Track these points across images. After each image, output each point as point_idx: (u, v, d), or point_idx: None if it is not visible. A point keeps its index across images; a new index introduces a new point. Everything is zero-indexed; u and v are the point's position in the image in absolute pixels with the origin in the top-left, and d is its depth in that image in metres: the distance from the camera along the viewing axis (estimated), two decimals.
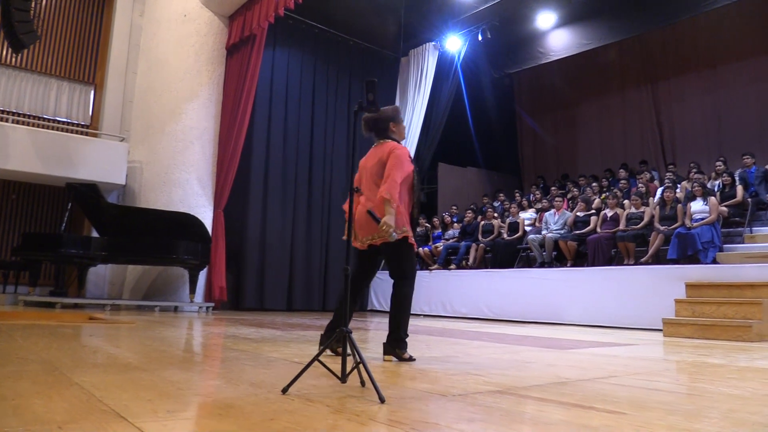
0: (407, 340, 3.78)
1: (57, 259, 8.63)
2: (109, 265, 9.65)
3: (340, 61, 11.97)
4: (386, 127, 3.81)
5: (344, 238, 3.57)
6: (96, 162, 9.49)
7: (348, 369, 2.59)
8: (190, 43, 9.88)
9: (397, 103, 12.44)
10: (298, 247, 10.93)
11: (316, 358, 2.53)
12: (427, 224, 11.73)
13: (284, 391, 2.36)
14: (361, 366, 2.51)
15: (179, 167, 9.64)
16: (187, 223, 9.03)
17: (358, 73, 12.03)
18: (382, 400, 2.23)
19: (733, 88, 11.57)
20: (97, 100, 10.73)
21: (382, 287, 11.41)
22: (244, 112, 9.79)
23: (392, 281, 3.80)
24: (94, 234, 9.28)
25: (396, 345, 3.71)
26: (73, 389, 2.34)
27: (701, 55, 11.96)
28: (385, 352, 3.75)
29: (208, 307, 9.37)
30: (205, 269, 9.52)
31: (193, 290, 9.13)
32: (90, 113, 10.73)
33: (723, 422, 2.19)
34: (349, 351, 2.60)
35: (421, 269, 10.95)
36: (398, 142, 3.83)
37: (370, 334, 6.48)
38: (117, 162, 9.70)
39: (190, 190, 9.69)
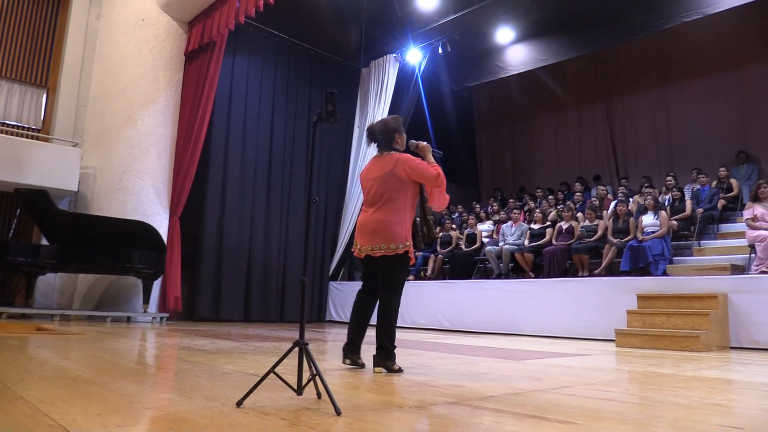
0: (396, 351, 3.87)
1: (3, 268, 8.35)
2: (58, 274, 9.37)
3: (301, 71, 11.94)
4: (393, 138, 3.89)
5: (353, 250, 3.92)
6: (47, 167, 9.23)
7: (304, 381, 2.57)
8: (147, 48, 9.72)
9: (357, 113, 12.47)
10: (255, 257, 10.82)
11: (271, 370, 2.51)
12: None
13: (239, 403, 2.33)
14: (317, 378, 2.49)
15: (134, 174, 9.45)
16: (142, 231, 8.85)
17: (319, 82, 12.03)
18: (338, 413, 2.22)
19: (683, 106, 11.95)
20: (50, 103, 10.45)
21: (339, 297, 11.39)
22: (202, 120, 9.67)
23: (380, 292, 3.86)
24: (44, 242, 9.01)
25: (386, 357, 3.77)
26: (17, 403, 2.26)
27: (653, 73, 12.34)
28: (375, 364, 3.80)
29: (162, 318, 9.18)
30: (160, 279, 9.33)
31: (146, 300, 8.94)
32: (42, 117, 10.43)
33: (670, 431, 2.25)
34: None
35: None
36: (400, 152, 3.88)
37: (329, 345, 6.44)
38: (69, 168, 9.45)
39: (145, 198, 9.50)
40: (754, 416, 2.66)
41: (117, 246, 8.55)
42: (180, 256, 9.62)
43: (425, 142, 3.98)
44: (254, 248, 10.82)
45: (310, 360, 2.51)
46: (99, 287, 9.32)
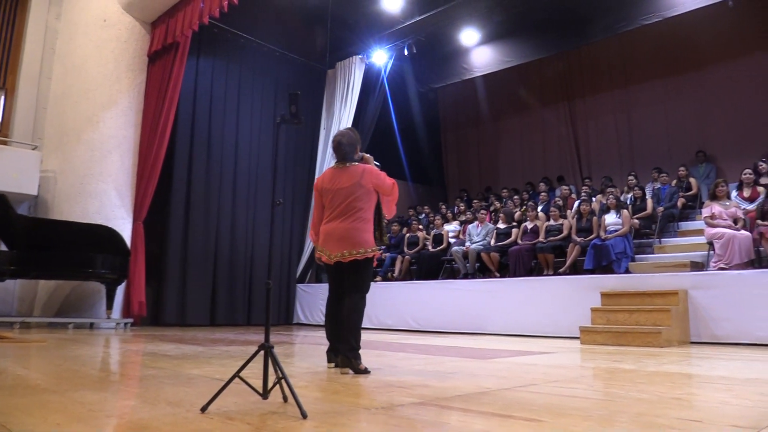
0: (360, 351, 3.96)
1: None
2: (18, 280, 9.13)
3: (266, 72, 11.84)
4: (355, 150, 4.10)
5: (317, 254, 4.09)
6: (5, 171, 8.98)
7: (270, 385, 2.55)
8: (109, 48, 9.54)
9: (324, 115, 12.43)
10: (221, 260, 10.69)
11: (236, 375, 2.49)
12: None
13: (203, 409, 2.30)
14: (283, 381, 2.48)
15: (96, 177, 9.26)
16: (104, 235, 8.68)
17: (284, 84, 11.94)
18: (304, 416, 2.21)
19: (644, 107, 12.20)
20: (8, 105, 10.17)
21: (307, 300, 11.34)
22: (165, 122, 9.52)
23: (347, 294, 4.01)
24: (3, 247, 8.77)
25: (352, 356, 3.87)
26: None
27: (614, 75, 12.57)
28: (342, 365, 3.91)
29: (126, 324, 9.02)
30: (124, 284, 9.16)
31: (110, 306, 8.77)
32: None
33: (632, 425, 2.29)
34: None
35: None
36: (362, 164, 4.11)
37: (296, 348, 6.41)
38: (28, 171, 9.21)
39: (108, 202, 9.32)
40: (712, 409, 2.73)
41: (79, 251, 8.37)
42: (144, 260, 9.46)
43: (369, 154, 4.22)
44: (220, 251, 10.70)
45: (276, 363, 2.49)
46: (60, 293, 9.11)
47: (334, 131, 11.98)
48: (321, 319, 10.76)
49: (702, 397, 3.12)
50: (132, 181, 9.64)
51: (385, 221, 4.28)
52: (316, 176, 12.03)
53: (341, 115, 11.95)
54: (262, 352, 2.57)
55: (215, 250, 10.63)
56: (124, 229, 9.31)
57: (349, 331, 3.89)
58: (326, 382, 3.40)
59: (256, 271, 11.08)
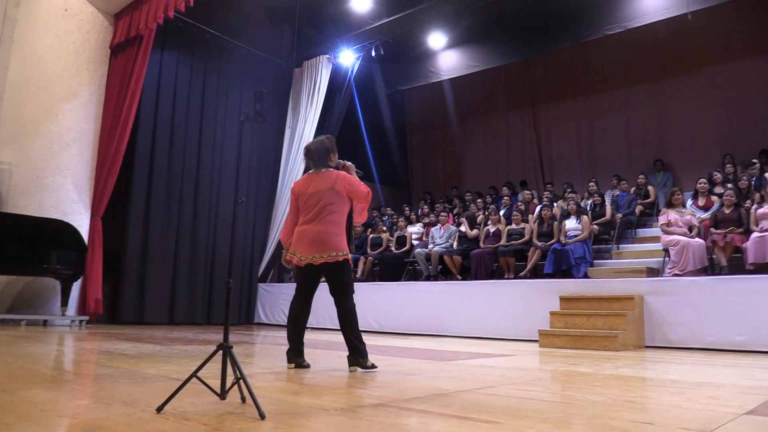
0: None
1: None
2: None
3: (232, 69, 11.70)
4: (328, 156, 4.21)
5: (287, 256, 4.18)
6: None
7: (228, 385, 2.53)
8: (70, 39, 9.31)
9: (289, 114, 12.34)
10: (182, 257, 10.51)
11: (194, 374, 2.46)
12: None
13: (159, 409, 2.27)
14: (241, 381, 2.46)
15: (53, 171, 9.03)
16: (60, 230, 8.47)
17: (250, 81, 11.81)
18: (262, 417, 2.20)
19: (605, 115, 12.45)
20: None
21: (269, 299, 11.25)
22: (127, 116, 9.33)
23: (334, 299, 4.13)
24: None
25: (359, 355, 4.02)
26: None
27: (577, 83, 12.78)
28: (351, 364, 4.04)
29: (81, 321, 8.81)
30: (80, 280, 8.95)
31: (65, 303, 8.57)
32: None
33: (587, 428, 2.34)
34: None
35: None
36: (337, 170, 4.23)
37: (257, 348, 6.35)
38: None
39: (65, 196, 9.10)
40: (663, 412, 2.80)
41: (33, 246, 8.16)
42: (102, 256, 9.25)
43: (350, 162, 4.35)
44: (181, 249, 10.52)
45: (234, 363, 2.47)
46: (13, 289, 8.85)
47: (299, 130, 11.93)
48: (282, 319, 10.69)
49: (655, 400, 3.20)
50: (91, 176, 9.43)
51: (356, 229, 4.41)
52: (281, 175, 11.97)
53: (307, 114, 11.90)
54: (220, 352, 2.54)
55: (176, 248, 10.46)
56: (82, 224, 9.11)
57: (349, 333, 4.03)
58: (286, 383, 3.38)
59: (217, 270, 10.93)
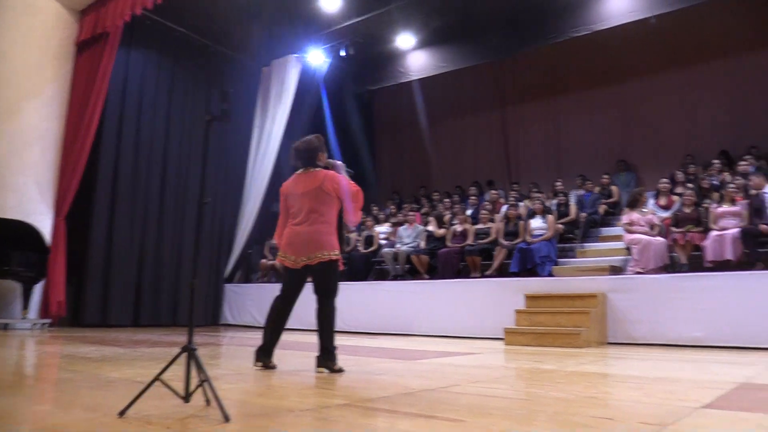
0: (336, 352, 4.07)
1: None
2: None
3: (200, 67, 11.57)
4: (316, 156, 4.17)
5: (276, 262, 4.29)
6: None
7: (192, 387, 2.51)
8: (34, 35, 9.09)
9: (258, 113, 12.25)
10: (147, 258, 10.35)
11: (157, 377, 2.44)
12: None
13: (121, 413, 2.24)
14: (206, 384, 2.44)
15: (15, 170, 8.81)
16: (21, 231, 8.29)
17: (218, 80, 11.69)
18: (226, 419, 2.19)
19: (571, 116, 12.62)
20: None
21: (235, 300, 11.16)
22: (92, 114, 9.15)
23: (317, 298, 4.11)
24: None
25: (328, 358, 3.99)
26: None
27: (545, 84, 12.93)
28: (318, 365, 4.00)
29: (43, 324, 8.62)
30: (42, 282, 8.75)
31: (26, 305, 8.38)
32: None
33: (549, 424, 2.39)
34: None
35: (277, 281, 10.83)
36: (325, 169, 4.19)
37: (223, 350, 6.31)
38: None
39: (27, 196, 8.89)
40: (624, 407, 2.87)
41: None
42: (65, 257, 9.06)
43: (340, 161, 4.32)
44: (146, 249, 10.36)
45: (199, 365, 2.45)
46: None
47: (267, 130, 11.85)
48: (249, 319, 10.63)
49: (615, 396, 3.28)
50: (54, 176, 9.23)
51: (348, 229, 4.40)
52: (248, 175, 11.88)
53: (275, 113, 11.83)
54: (184, 354, 2.52)
55: (140, 248, 10.30)
56: (45, 225, 8.91)
57: (325, 335, 4.03)
58: (251, 384, 3.37)
59: (183, 270, 10.80)
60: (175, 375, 2.63)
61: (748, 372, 4.20)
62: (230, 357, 5.41)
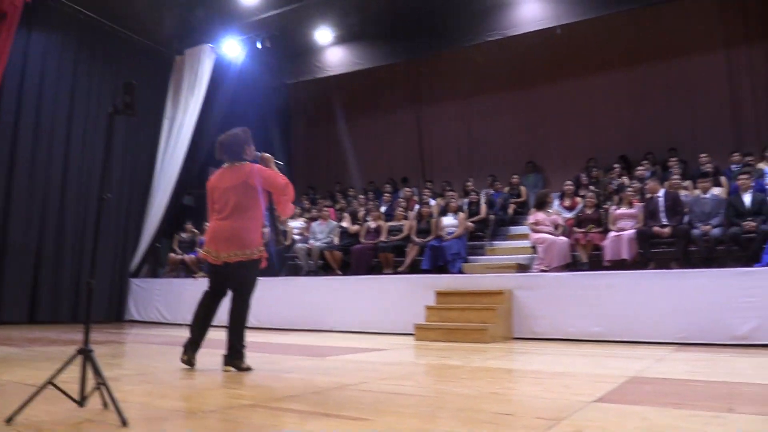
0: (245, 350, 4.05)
1: None
2: None
3: (107, 53, 10.98)
4: (242, 149, 4.10)
5: (201, 254, 4.18)
6: None
7: (87, 391, 2.41)
8: None
9: (169, 103, 11.83)
10: (46, 252, 9.74)
11: (49, 381, 2.32)
12: (194, 230, 11.33)
13: (9, 420, 2.12)
14: (103, 387, 2.35)
15: None
16: None
17: (127, 67, 11.15)
18: (124, 423, 2.12)
19: (483, 117, 12.97)
20: None
21: (141, 296, 10.75)
22: None
23: (232, 295, 4.09)
24: None
25: (235, 356, 3.96)
26: None
27: (459, 85, 13.21)
28: (225, 363, 3.95)
29: None
30: None
31: None
32: None
33: (452, 421, 2.46)
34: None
35: (186, 277, 10.54)
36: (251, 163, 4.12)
37: (127, 348, 6.07)
38: None
39: None
40: (523, 402, 3.00)
41: None
42: None
43: (268, 154, 4.26)
44: (45, 242, 9.76)
45: (95, 368, 2.36)
46: None
47: (179, 120, 11.48)
48: (155, 315, 10.29)
49: (517, 391, 3.41)
50: None
51: (281, 222, 4.34)
52: (157, 167, 11.47)
53: (188, 104, 11.46)
54: (80, 356, 2.41)
55: (38, 241, 9.71)
56: None
57: (234, 332, 3.98)
58: (154, 385, 3.26)
59: (85, 265, 10.27)
60: (72, 377, 2.52)
61: (638, 366, 4.46)
62: (133, 356, 5.22)
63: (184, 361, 3.96)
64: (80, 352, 2.40)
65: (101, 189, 2.56)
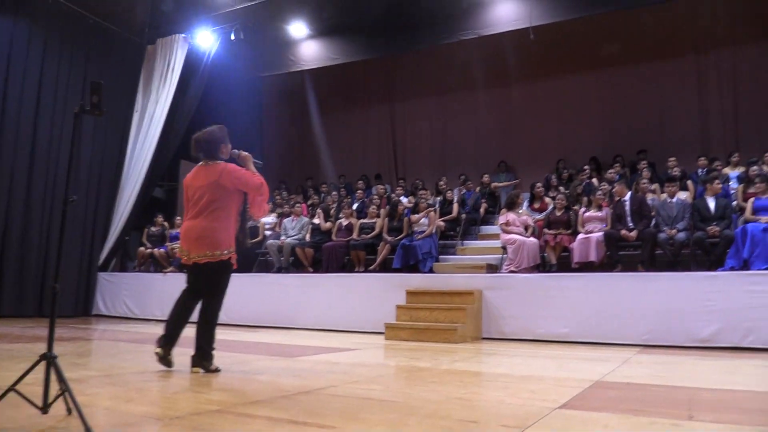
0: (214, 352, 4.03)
1: None
2: None
3: (77, 41, 10.72)
4: (218, 148, 4.06)
5: (177, 252, 4.15)
6: None
7: (51, 397, 2.37)
8: None
9: (140, 93, 11.64)
10: (11, 247, 9.49)
11: (11, 388, 2.28)
12: (164, 223, 11.19)
13: None
14: (67, 393, 2.32)
15: None
16: None
17: (97, 56, 10.93)
18: (88, 431, 2.09)
19: (456, 116, 13.04)
20: None
21: (110, 290, 10.60)
22: None
23: (203, 295, 4.05)
24: None
25: (204, 358, 3.94)
26: None
27: (433, 84, 13.26)
28: (193, 365, 3.93)
29: None
30: None
31: None
32: None
33: (419, 428, 2.48)
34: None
35: (156, 271, 10.42)
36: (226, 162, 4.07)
37: (93, 345, 5.99)
38: None
39: None
40: (488, 408, 3.03)
41: None
42: None
43: (246, 152, 4.19)
44: (10, 237, 9.49)
45: (59, 375, 2.32)
46: None
47: (150, 111, 11.32)
48: (123, 310, 10.17)
49: (483, 396, 3.44)
50: None
51: (252, 222, 4.29)
52: (127, 159, 11.29)
53: (159, 95, 11.31)
54: (43, 362, 2.38)
55: (3, 233, 9.48)
56: None
57: (203, 334, 3.96)
58: (120, 389, 3.23)
59: (51, 259, 10.05)
60: (37, 378, 2.48)
61: (603, 369, 4.54)
62: (100, 354, 5.15)
63: (157, 355, 3.91)
64: (43, 357, 2.36)
65: (67, 191, 2.51)
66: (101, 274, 10.80)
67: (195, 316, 4.08)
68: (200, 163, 4.10)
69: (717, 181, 7.63)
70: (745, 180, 8.18)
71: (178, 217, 11.19)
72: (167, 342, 3.97)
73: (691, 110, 10.88)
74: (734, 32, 10.51)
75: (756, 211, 7.11)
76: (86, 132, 10.60)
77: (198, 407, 2.74)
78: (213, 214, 3.93)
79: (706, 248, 7.08)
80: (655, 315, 6.54)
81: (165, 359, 3.94)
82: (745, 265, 6.65)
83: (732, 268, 6.67)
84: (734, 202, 7.78)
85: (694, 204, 7.57)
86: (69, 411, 2.38)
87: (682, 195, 8.09)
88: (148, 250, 10.76)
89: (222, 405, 2.80)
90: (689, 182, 8.85)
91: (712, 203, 7.35)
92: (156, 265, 10.68)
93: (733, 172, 8.92)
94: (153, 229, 11.08)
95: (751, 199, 7.28)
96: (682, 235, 7.23)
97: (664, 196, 7.94)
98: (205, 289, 4.03)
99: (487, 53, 11.79)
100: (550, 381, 3.92)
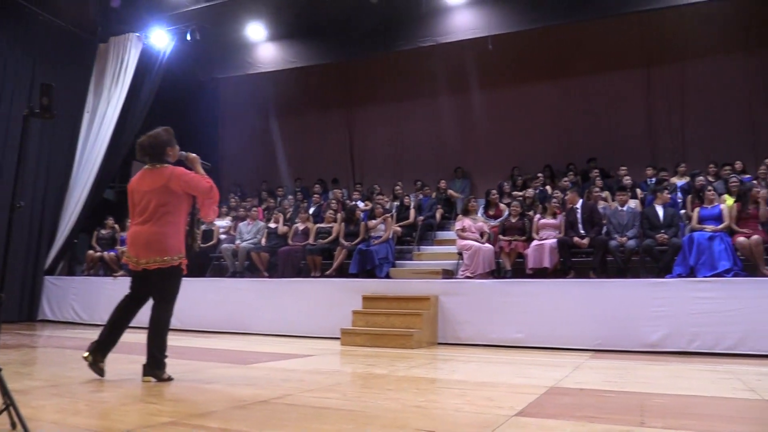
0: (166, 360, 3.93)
1: None
2: None
3: (25, 37, 10.35)
4: (164, 151, 3.96)
5: (124, 258, 4.06)
6: None
7: None
8: None
9: (91, 92, 11.31)
10: None
11: None
12: (115, 225, 10.91)
13: None
14: (11, 407, 2.23)
15: None
16: None
17: (47, 54, 10.56)
18: None
19: (414, 122, 13.08)
20: None
21: (56, 294, 10.26)
22: None
23: (153, 302, 3.96)
24: None
25: (156, 366, 3.84)
26: None
27: (391, 89, 13.26)
28: (145, 374, 3.83)
29: None
30: None
31: None
32: None
33: None
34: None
35: (105, 275, 10.15)
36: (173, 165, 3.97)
37: (38, 353, 5.78)
38: None
39: None
40: (446, 416, 3.04)
41: None
42: None
43: (194, 154, 4.12)
44: None
45: (3, 389, 2.23)
46: None
47: (101, 111, 11.02)
48: (71, 315, 9.87)
49: (440, 404, 3.45)
50: None
51: (203, 226, 4.21)
52: (76, 160, 10.96)
53: (111, 95, 11.02)
54: None
55: None
56: None
57: (154, 341, 3.86)
58: (68, 400, 3.12)
59: None
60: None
61: (557, 374, 4.62)
62: (46, 363, 4.98)
63: (86, 360, 3.79)
64: None
65: (14, 197, 2.42)
66: (48, 278, 10.45)
67: (138, 321, 3.97)
68: (146, 167, 4.00)
69: (666, 191, 7.86)
70: (691, 190, 8.44)
71: (129, 220, 10.90)
72: (99, 348, 3.86)
73: (641, 121, 11.19)
74: (683, 48, 10.86)
75: (702, 220, 7.35)
76: (34, 132, 10.24)
77: (149, 419, 2.67)
78: (162, 219, 3.85)
79: (655, 256, 7.28)
80: (605, 320, 6.69)
81: (95, 366, 3.82)
82: (691, 273, 6.87)
83: (679, 275, 6.88)
84: (682, 211, 8.03)
85: (644, 212, 7.78)
86: (13, 425, 2.29)
87: (632, 203, 8.30)
88: (98, 254, 10.47)
89: (174, 416, 2.73)
90: (638, 191, 9.09)
91: (660, 212, 7.57)
92: (106, 268, 10.40)
93: (680, 182, 9.20)
94: (103, 231, 10.79)
95: (697, 209, 7.52)
96: (632, 243, 7.43)
97: (615, 204, 8.14)
98: (156, 295, 3.93)
99: (445, 61, 11.89)
100: (506, 387, 3.96)
